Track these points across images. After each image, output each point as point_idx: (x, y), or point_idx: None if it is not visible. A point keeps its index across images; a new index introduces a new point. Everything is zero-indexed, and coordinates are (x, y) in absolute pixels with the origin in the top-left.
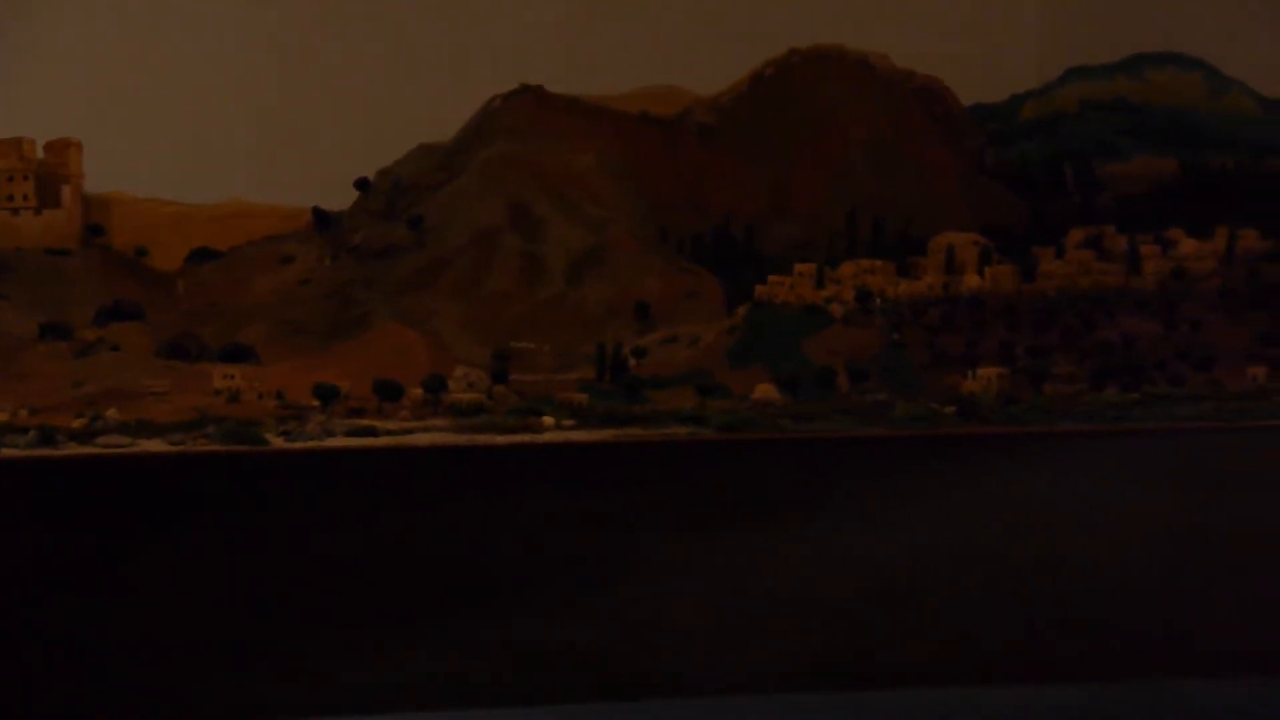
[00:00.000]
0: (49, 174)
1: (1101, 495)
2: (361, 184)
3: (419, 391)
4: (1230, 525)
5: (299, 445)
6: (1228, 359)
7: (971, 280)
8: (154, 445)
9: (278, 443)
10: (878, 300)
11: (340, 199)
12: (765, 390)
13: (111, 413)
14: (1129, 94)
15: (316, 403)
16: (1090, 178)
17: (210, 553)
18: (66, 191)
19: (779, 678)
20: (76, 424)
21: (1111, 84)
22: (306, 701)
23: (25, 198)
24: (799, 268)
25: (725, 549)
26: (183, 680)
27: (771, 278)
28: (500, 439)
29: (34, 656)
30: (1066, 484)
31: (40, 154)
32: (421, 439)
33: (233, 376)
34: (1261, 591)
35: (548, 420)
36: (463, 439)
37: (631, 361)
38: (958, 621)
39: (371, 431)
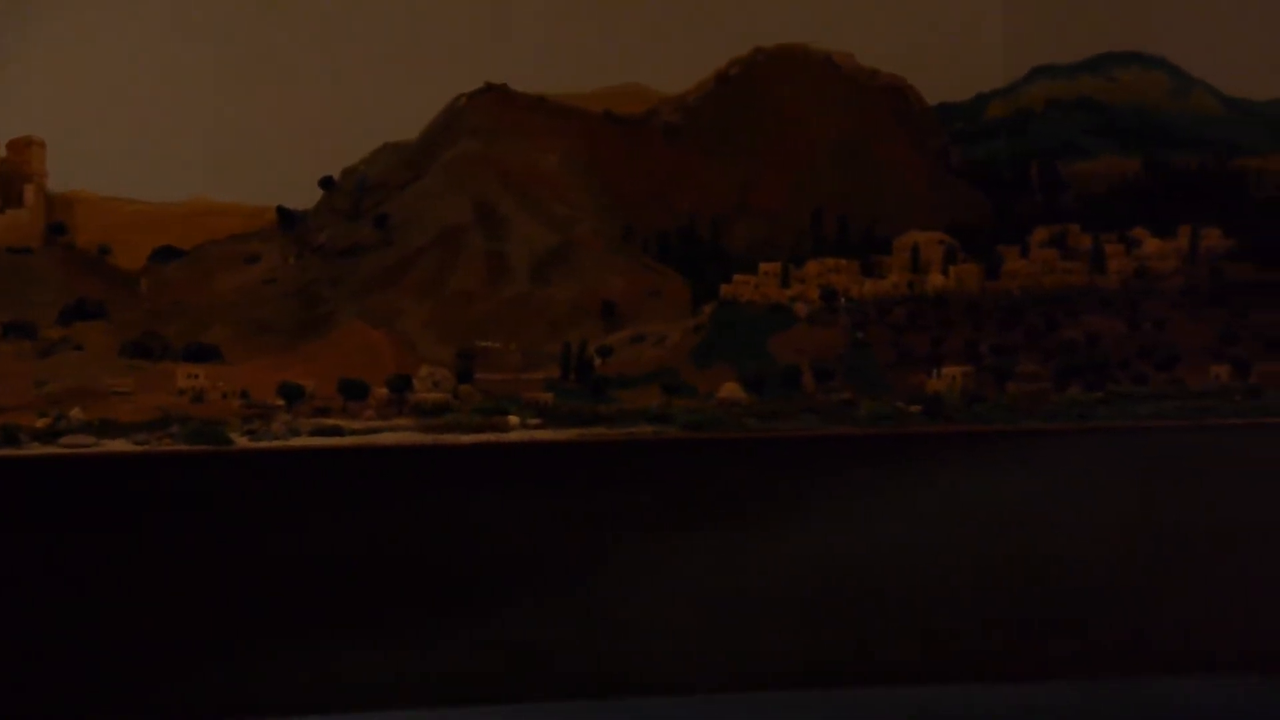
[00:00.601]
0: (11, 172)
1: (1066, 493)
2: (326, 183)
3: (384, 391)
4: (1193, 523)
5: (264, 445)
6: (1190, 357)
7: (936, 279)
8: (118, 445)
9: (242, 442)
10: (843, 299)
11: (305, 198)
12: (730, 389)
13: (75, 412)
14: (1094, 93)
15: (281, 402)
16: (1055, 176)
17: (174, 552)
18: (29, 190)
19: (746, 676)
20: (40, 423)
21: (1077, 83)
22: (273, 701)
23: None
24: (764, 266)
25: (691, 547)
26: (148, 680)
27: (737, 277)
28: (465, 438)
29: None
30: (1031, 482)
31: (2, 153)
32: (387, 438)
33: (197, 376)
34: (1226, 589)
35: (513, 419)
36: (428, 438)
37: (597, 360)
38: (924, 619)
39: (337, 431)
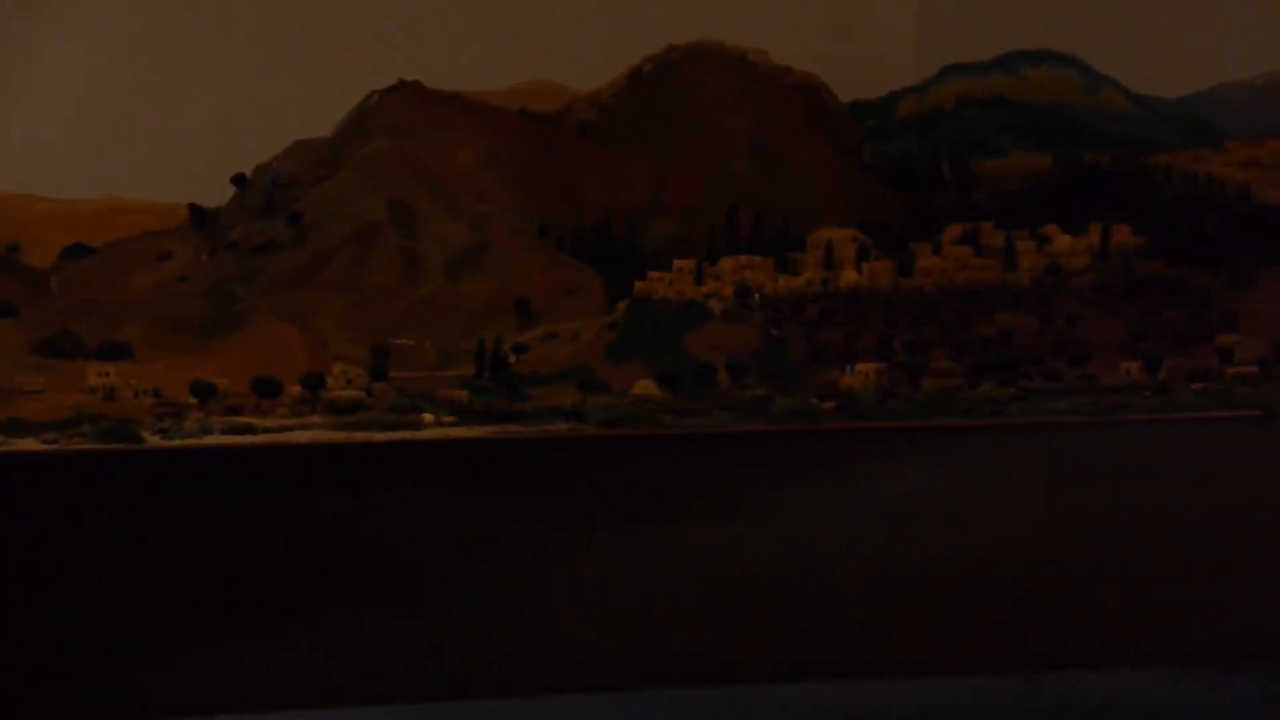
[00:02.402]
0: None
1: (979, 489)
2: (239, 180)
3: (297, 388)
4: (1104, 518)
5: (176, 443)
6: (1102, 354)
7: (850, 276)
8: (28, 444)
9: (154, 441)
10: (757, 296)
11: (217, 195)
12: (645, 386)
13: None
14: (1005, 91)
15: (194, 400)
16: (967, 174)
17: (85, 551)
18: None
19: (658, 673)
20: None
21: (988, 81)
22: (184, 700)
23: None
24: (679, 264)
25: (605, 545)
26: (55, 680)
27: (651, 274)
28: (380, 436)
29: None
30: (944, 478)
31: None
32: (300, 436)
33: (109, 374)
34: (1135, 583)
35: (427, 417)
36: (341, 436)
37: (512, 358)
38: (838, 614)
39: (250, 429)
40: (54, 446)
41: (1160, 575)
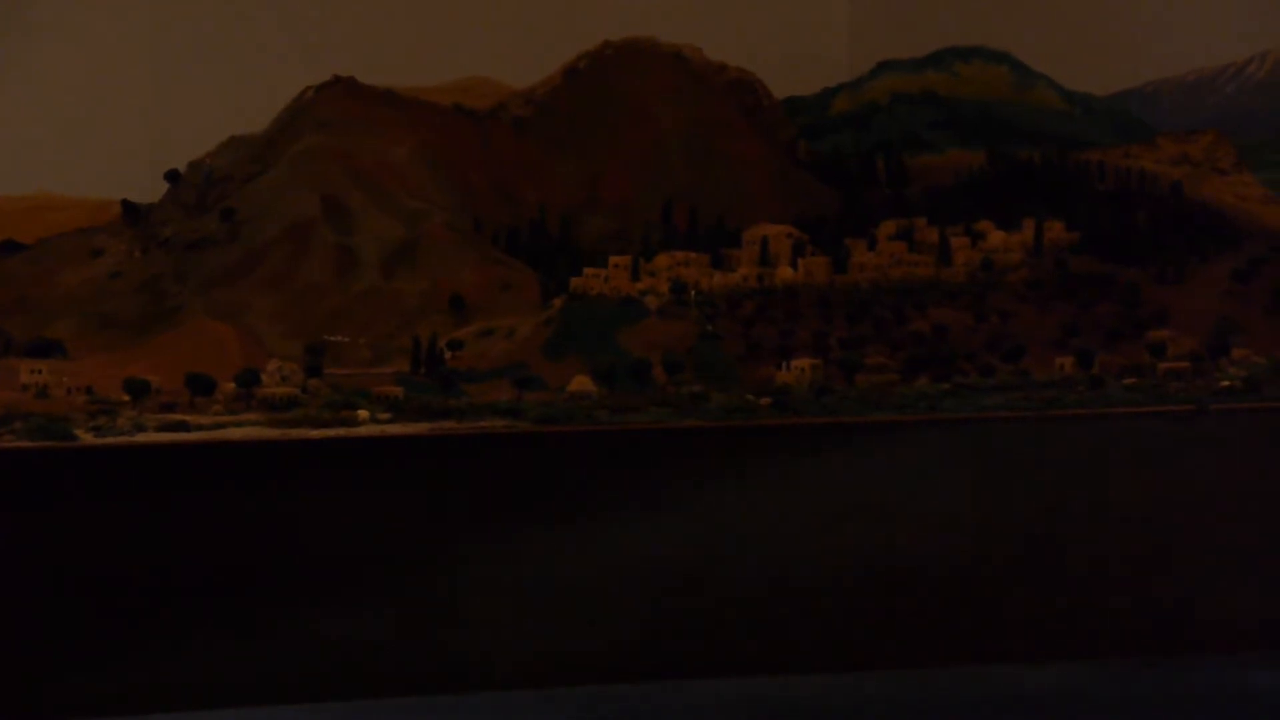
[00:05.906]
0: None
1: (914, 484)
2: (172, 176)
3: (231, 385)
4: (1038, 512)
5: (109, 440)
6: (1035, 349)
7: (785, 272)
8: None
9: (88, 438)
10: (692, 292)
11: (151, 191)
12: (581, 382)
13: None
14: (938, 87)
15: (127, 397)
16: (900, 170)
17: (17, 550)
18: None
19: (594, 668)
20: None
21: (921, 77)
22: (115, 698)
23: None
24: (614, 260)
25: (541, 542)
26: None
27: (587, 270)
28: (315, 433)
29: None
30: (879, 473)
31: None
32: (234, 433)
33: (40, 371)
34: (1068, 576)
35: (363, 414)
36: (276, 433)
37: (447, 354)
38: (774, 610)
39: (184, 426)
40: None
41: (1093, 568)
